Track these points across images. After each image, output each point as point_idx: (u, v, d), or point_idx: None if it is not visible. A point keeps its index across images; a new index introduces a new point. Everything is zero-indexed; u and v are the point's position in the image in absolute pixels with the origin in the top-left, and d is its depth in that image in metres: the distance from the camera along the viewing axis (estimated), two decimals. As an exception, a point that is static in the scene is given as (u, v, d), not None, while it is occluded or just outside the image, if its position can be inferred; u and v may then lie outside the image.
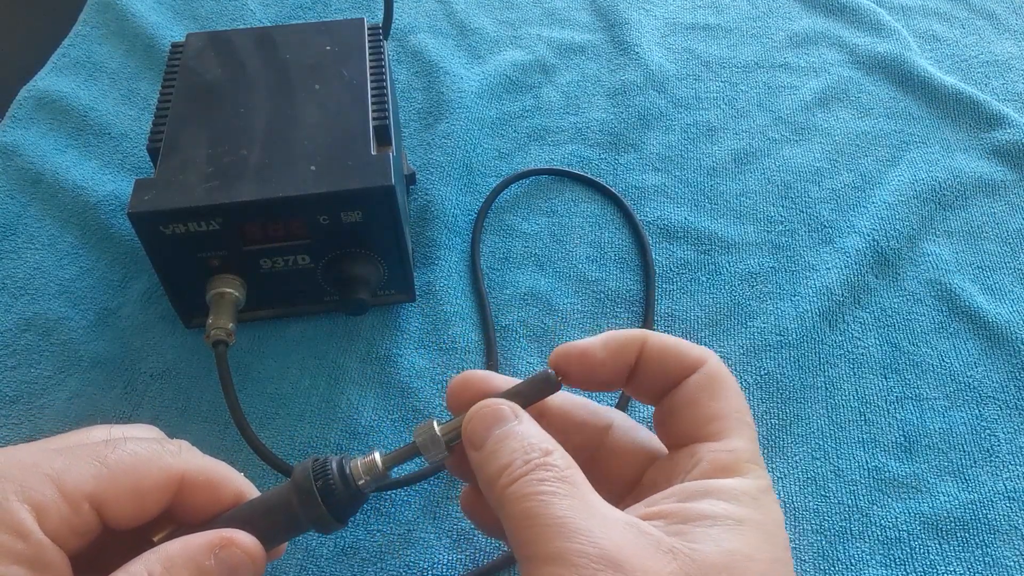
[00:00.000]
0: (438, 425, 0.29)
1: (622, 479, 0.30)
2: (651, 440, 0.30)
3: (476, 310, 0.52)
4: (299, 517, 0.28)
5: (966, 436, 0.45)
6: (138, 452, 0.27)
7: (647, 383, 0.29)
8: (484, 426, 0.27)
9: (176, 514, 0.28)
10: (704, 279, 0.53)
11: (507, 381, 0.30)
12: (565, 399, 0.31)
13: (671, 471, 0.27)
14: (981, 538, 0.42)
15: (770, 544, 0.25)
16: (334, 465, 0.28)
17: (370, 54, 0.51)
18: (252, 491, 0.30)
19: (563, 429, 0.30)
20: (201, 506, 0.28)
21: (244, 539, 0.26)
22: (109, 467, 0.26)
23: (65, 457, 0.25)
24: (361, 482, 0.29)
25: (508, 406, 0.27)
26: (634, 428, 0.30)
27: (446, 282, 0.53)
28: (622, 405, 0.47)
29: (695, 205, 0.57)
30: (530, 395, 0.29)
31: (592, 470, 0.27)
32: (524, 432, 0.26)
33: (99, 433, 0.28)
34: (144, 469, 0.26)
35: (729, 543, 0.24)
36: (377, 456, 0.29)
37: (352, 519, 0.43)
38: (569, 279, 0.53)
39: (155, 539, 0.28)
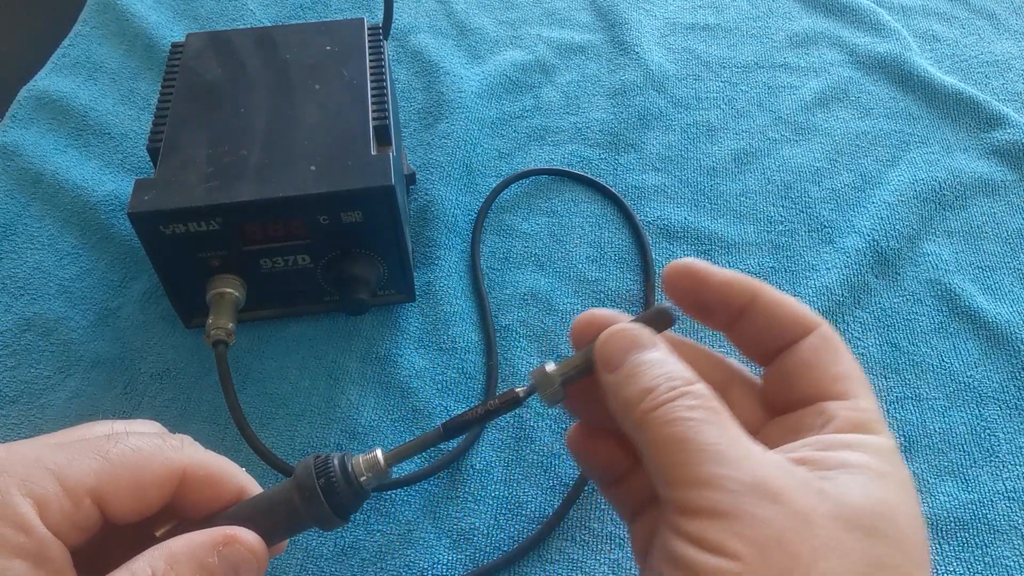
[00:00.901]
0: (554, 363, 0.28)
1: (774, 396, 0.29)
2: (828, 365, 0.28)
3: (476, 310, 0.52)
4: (301, 514, 0.28)
5: (966, 436, 0.45)
6: (140, 447, 0.27)
7: (755, 336, 0.28)
8: (621, 348, 0.27)
9: (178, 509, 0.28)
10: (704, 279, 0.53)
11: (629, 319, 0.29)
12: (683, 345, 0.30)
13: (797, 427, 0.27)
14: (981, 538, 0.42)
15: (910, 500, 0.24)
16: (336, 462, 0.28)
17: (370, 54, 0.51)
18: (254, 486, 0.30)
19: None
20: (203, 501, 0.28)
21: (247, 536, 0.26)
22: (111, 461, 0.26)
23: (67, 452, 0.25)
24: (363, 479, 0.29)
25: (647, 332, 0.27)
26: (825, 346, 0.29)
27: (446, 282, 0.53)
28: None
29: (695, 205, 0.57)
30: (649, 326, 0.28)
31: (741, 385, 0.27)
32: (664, 359, 0.26)
33: (101, 428, 0.28)
34: (146, 464, 0.26)
35: (876, 492, 0.23)
36: (379, 453, 0.29)
37: (353, 518, 0.43)
38: (569, 279, 0.53)
39: (157, 534, 0.28)
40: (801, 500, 0.22)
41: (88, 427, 0.28)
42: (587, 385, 0.28)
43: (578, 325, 0.30)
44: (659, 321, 0.28)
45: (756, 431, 0.27)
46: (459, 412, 0.30)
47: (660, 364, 0.26)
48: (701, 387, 0.25)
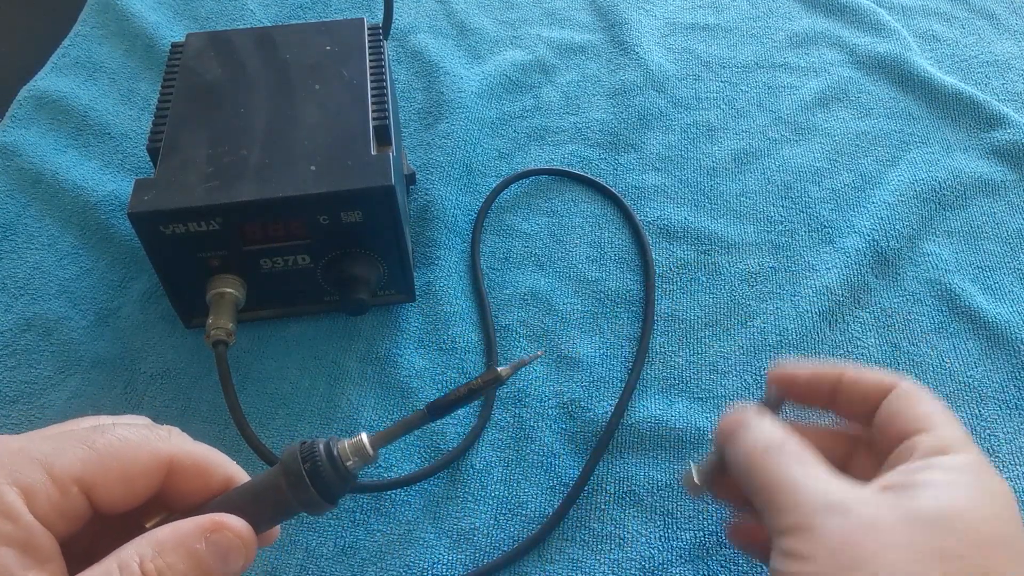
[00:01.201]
0: (368, 437, 0.30)
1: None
2: (912, 407, 0.33)
3: (476, 310, 0.52)
4: (289, 499, 0.28)
5: (966, 436, 0.45)
6: (127, 437, 0.27)
7: (851, 405, 0.34)
8: (731, 427, 0.33)
9: (167, 499, 0.28)
10: (704, 279, 0.53)
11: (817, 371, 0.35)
12: (807, 428, 0.36)
13: (893, 463, 0.31)
14: (981, 538, 0.42)
15: (990, 501, 0.28)
16: (322, 447, 0.28)
17: (370, 54, 0.51)
18: (242, 475, 0.30)
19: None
20: (191, 491, 0.28)
21: (235, 523, 0.26)
22: (97, 451, 0.26)
23: (53, 442, 0.26)
24: (349, 463, 0.29)
25: (753, 410, 0.33)
26: (907, 394, 0.33)
27: (446, 282, 0.53)
28: (619, 410, 0.47)
29: (695, 205, 0.57)
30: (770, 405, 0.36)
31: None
32: (760, 425, 0.32)
33: (88, 422, 0.28)
34: (133, 453, 0.27)
35: (945, 497, 0.27)
36: (364, 437, 0.29)
37: (352, 518, 0.43)
38: (569, 279, 0.53)
39: (147, 525, 0.28)
40: (869, 510, 0.27)
41: (75, 422, 0.29)
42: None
43: (776, 378, 0.36)
44: (775, 401, 0.36)
45: (871, 477, 0.31)
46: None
47: (758, 428, 0.32)
48: (789, 439, 0.31)
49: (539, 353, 0.35)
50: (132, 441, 0.27)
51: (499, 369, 0.30)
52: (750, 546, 0.37)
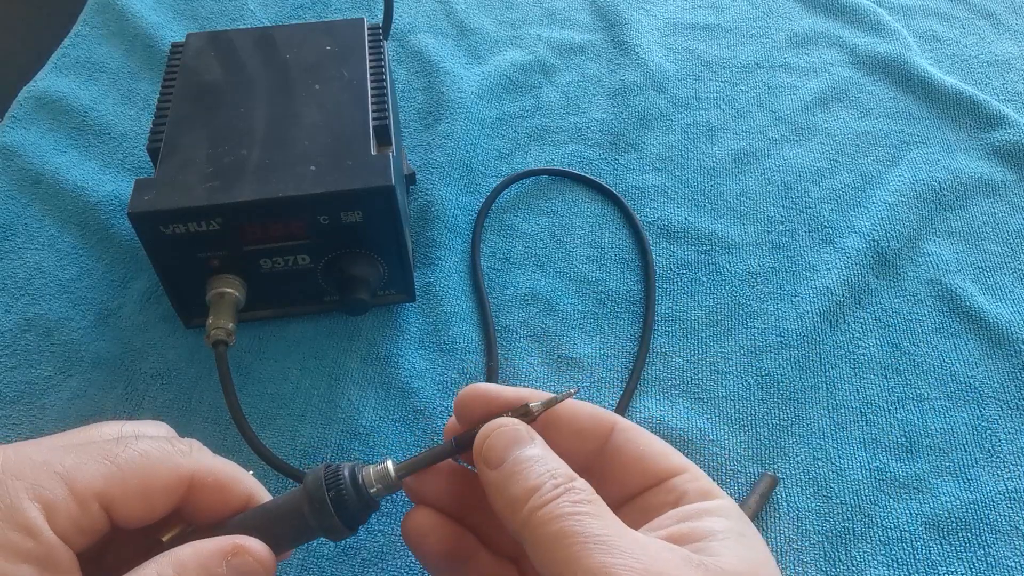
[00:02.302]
0: (393, 465, 0.29)
1: (623, 488, 0.30)
2: (651, 447, 0.30)
3: (476, 310, 0.52)
4: (311, 525, 0.28)
5: (967, 436, 0.45)
6: (148, 452, 0.27)
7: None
8: (503, 445, 0.28)
9: (185, 514, 0.28)
10: (704, 279, 0.53)
11: (515, 393, 0.30)
12: (568, 405, 0.31)
13: (648, 507, 0.29)
14: (982, 538, 0.42)
15: (766, 553, 0.27)
16: (346, 473, 0.28)
17: (370, 54, 0.51)
18: (261, 492, 0.30)
19: (568, 433, 0.30)
20: (210, 506, 0.28)
21: (256, 547, 0.26)
22: (119, 466, 0.26)
23: (75, 455, 0.25)
24: (373, 490, 0.28)
25: (525, 428, 0.28)
26: (636, 434, 0.31)
27: (446, 282, 0.53)
28: (620, 410, 0.47)
29: (695, 205, 0.57)
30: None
31: (593, 475, 0.28)
32: (546, 456, 0.27)
33: (110, 430, 0.28)
34: (154, 469, 0.26)
35: (743, 552, 0.26)
36: (390, 464, 0.29)
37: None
38: (569, 279, 0.53)
39: (164, 539, 0.28)
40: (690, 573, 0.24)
41: (96, 428, 0.28)
42: (438, 476, 0.31)
43: (462, 401, 0.31)
44: (525, 415, 0.30)
45: (634, 491, 0.29)
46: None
47: (541, 461, 0.27)
48: (581, 482, 0.26)
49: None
50: (154, 456, 0.27)
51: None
52: (442, 559, 0.31)
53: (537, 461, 0.27)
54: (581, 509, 0.25)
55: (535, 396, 0.30)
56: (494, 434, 0.28)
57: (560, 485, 0.26)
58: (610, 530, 0.24)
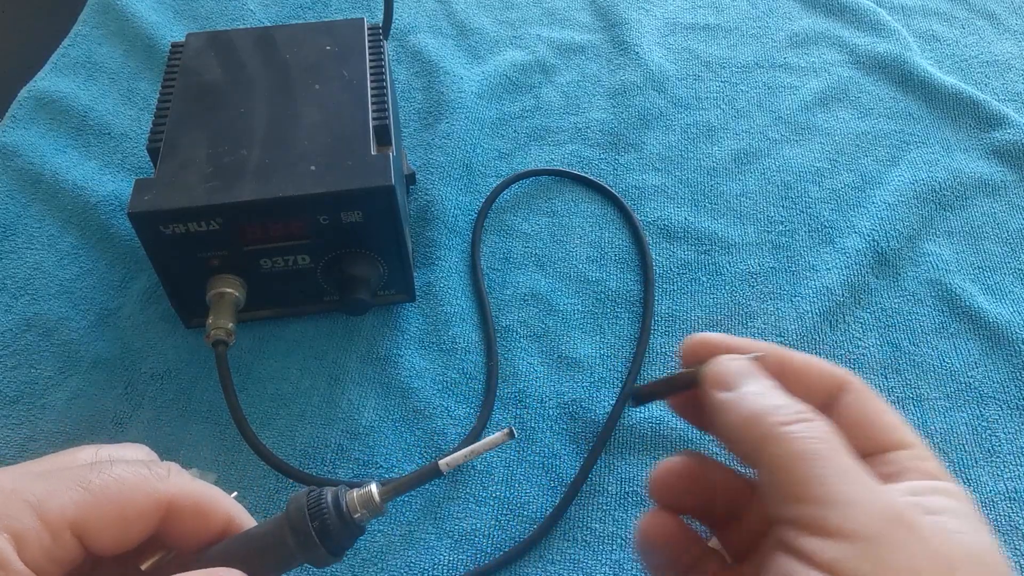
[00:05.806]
0: (377, 488, 0.29)
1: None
2: (880, 415, 0.29)
3: (476, 310, 0.52)
4: (295, 556, 0.27)
5: (967, 436, 0.45)
6: (123, 477, 0.26)
7: (804, 390, 0.28)
8: (739, 371, 0.27)
9: (165, 539, 0.27)
10: (704, 279, 0.53)
11: (747, 342, 0.29)
12: (801, 358, 0.30)
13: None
14: (982, 538, 0.42)
15: (999, 550, 0.25)
16: (329, 500, 0.28)
17: (370, 54, 0.51)
18: (242, 515, 0.29)
19: (796, 385, 0.29)
20: (190, 531, 0.27)
21: None
22: (93, 493, 0.25)
23: (46, 482, 0.24)
24: (357, 515, 0.28)
25: (759, 366, 0.27)
26: (867, 398, 0.29)
27: (446, 282, 0.53)
28: (619, 409, 0.47)
29: (695, 205, 0.57)
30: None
31: None
32: (784, 392, 0.26)
33: (85, 455, 0.27)
34: (129, 495, 0.25)
35: (984, 537, 0.24)
36: (374, 488, 0.28)
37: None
38: (569, 279, 0.53)
39: (143, 567, 0.27)
40: (937, 538, 0.23)
41: (71, 453, 0.27)
42: None
43: (689, 346, 0.30)
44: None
45: (865, 451, 0.27)
46: (454, 447, 0.29)
47: (781, 393, 0.26)
48: (825, 419, 0.25)
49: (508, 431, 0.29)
50: (129, 482, 0.26)
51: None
52: (675, 560, 0.29)
53: (777, 391, 0.26)
54: (830, 438, 0.24)
55: (763, 348, 0.29)
56: (730, 360, 0.27)
57: (804, 414, 0.25)
58: (857, 465, 0.23)
